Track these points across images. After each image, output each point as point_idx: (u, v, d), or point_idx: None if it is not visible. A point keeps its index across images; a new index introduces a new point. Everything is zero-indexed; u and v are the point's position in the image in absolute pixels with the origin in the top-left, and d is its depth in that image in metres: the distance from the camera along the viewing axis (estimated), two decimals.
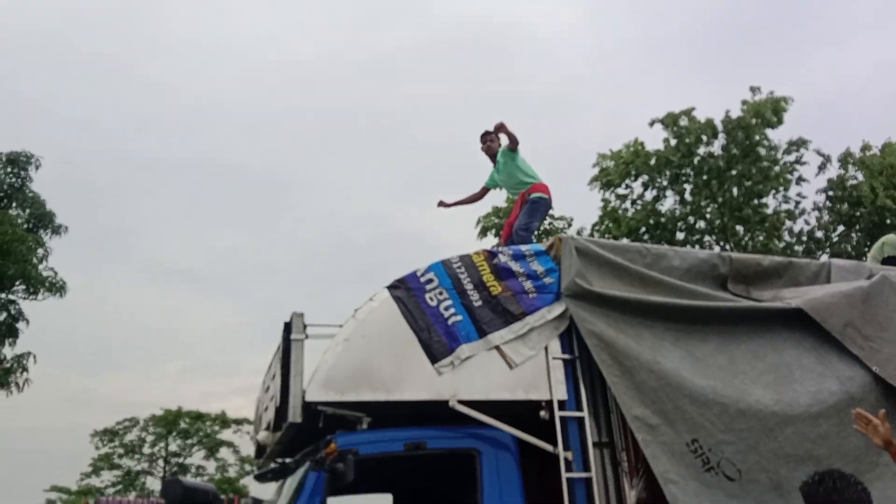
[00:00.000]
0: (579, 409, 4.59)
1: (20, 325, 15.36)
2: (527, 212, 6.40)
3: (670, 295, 4.91)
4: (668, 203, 17.94)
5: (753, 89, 16.22)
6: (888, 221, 15.10)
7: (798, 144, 17.24)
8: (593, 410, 4.63)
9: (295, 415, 4.18)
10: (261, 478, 4.95)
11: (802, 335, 5.02)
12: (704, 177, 16.71)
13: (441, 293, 4.64)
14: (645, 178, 17.62)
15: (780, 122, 15.89)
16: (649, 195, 18.08)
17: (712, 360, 4.80)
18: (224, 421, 36.97)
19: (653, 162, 17.78)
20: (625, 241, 15.42)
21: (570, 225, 18.58)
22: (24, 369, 15.17)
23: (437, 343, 4.47)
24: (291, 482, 4.51)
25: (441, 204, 7.12)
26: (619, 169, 17.43)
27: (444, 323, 4.54)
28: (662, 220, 16.61)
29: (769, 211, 17.15)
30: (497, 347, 4.57)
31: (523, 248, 4.97)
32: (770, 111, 15.62)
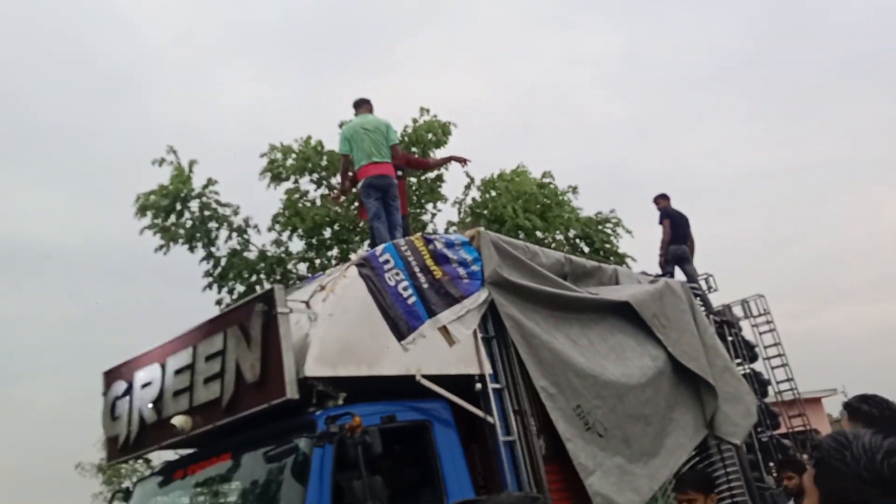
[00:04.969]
0: (498, 381, 5.47)
1: None
2: None
3: (549, 286, 6.10)
4: None
5: (423, 110, 18.48)
6: (521, 237, 18.53)
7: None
8: (506, 382, 5.55)
9: (292, 391, 4.26)
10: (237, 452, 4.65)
11: (625, 322, 6.69)
12: None
13: (397, 274, 5.10)
14: (317, 175, 18.56)
15: (446, 142, 18.41)
16: (317, 193, 19.04)
17: (580, 341, 6.14)
18: None
19: (324, 162, 18.80)
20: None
21: (236, 213, 18.45)
22: None
23: (401, 321, 4.94)
24: (263, 467, 4.46)
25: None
26: (297, 164, 18.04)
27: (403, 302, 5.02)
28: (341, 221, 17.81)
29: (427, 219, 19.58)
30: (443, 327, 5.19)
31: (452, 237, 5.68)
32: (440, 131, 18.03)
